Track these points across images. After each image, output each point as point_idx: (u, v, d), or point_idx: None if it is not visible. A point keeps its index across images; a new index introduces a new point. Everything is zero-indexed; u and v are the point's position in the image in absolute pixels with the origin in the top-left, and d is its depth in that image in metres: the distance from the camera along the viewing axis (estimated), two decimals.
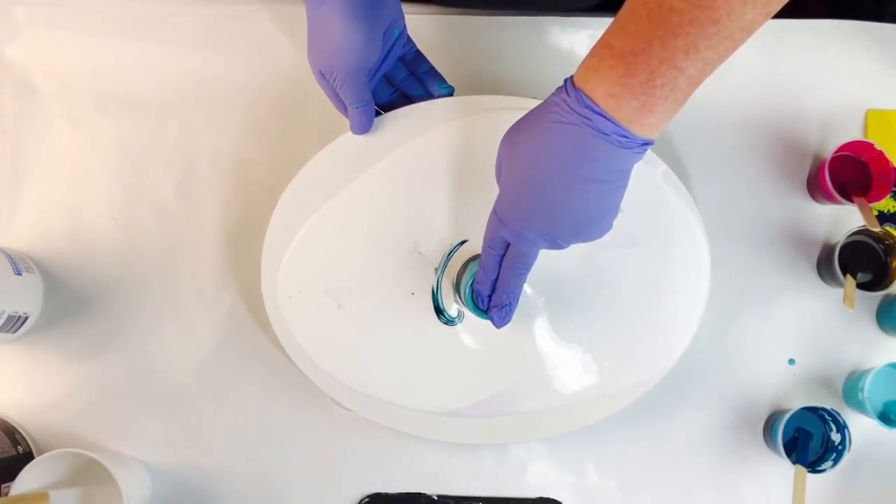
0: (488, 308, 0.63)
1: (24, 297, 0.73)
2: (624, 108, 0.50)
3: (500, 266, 0.60)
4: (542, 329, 0.69)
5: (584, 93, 0.51)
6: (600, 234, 0.57)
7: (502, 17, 0.78)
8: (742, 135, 0.77)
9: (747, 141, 0.77)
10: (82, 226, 0.76)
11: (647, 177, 0.69)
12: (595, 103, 0.50)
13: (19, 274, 0.72)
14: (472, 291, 0.64)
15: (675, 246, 0.69)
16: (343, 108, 0.69)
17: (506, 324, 0.63)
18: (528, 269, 0.59)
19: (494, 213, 0.58)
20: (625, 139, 0.51)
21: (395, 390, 0.69)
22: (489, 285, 0.62)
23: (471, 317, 0.68)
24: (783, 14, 0.79)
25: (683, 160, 0.77)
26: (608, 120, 0.50)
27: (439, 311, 0.69)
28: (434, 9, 0.79)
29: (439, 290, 0.69)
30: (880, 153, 0.73)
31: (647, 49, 0.49)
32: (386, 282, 0.69)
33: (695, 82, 0.50)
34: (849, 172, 0.75)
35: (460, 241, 0.69)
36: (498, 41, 0.78)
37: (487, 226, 0.59)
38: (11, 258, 0.72)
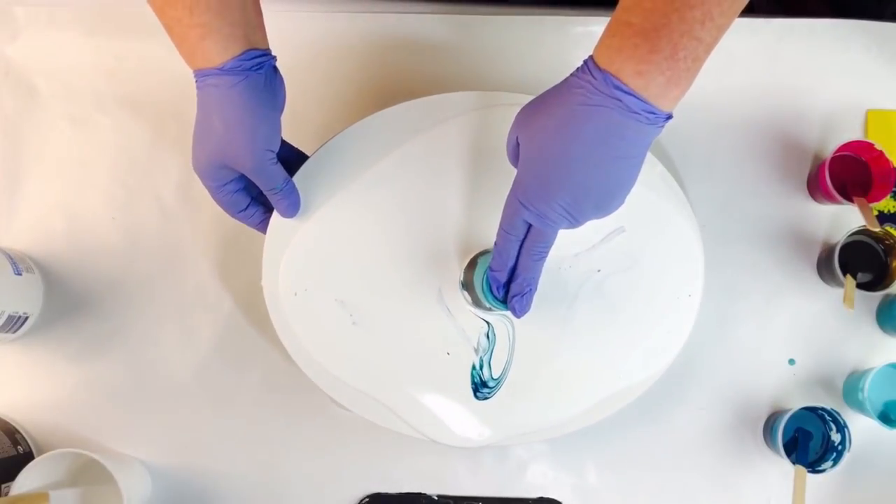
0: (506, 297, 0.62)
1: (24, 297, 0.73)
2: (651, 84, 0.50)
3: (518, 252, 0.60)
4: (544, 345, 0.69)
5: (611, 73, 0.51)
6: (616, 209, 0.57)
7: (502, 17, 0.78)
8: (742, 135, 0.77)
9: (747, 141, 0.77)
10: (82, 226, 0.76)
11: (645, 178, 0.69)
12: (624, 83, 0.50)
13: (19, 274, 0.72)
14: (488, 282, 0.63)
15: (670, 250, 0.69)
16: (241, 208, 0.66)
17: (526, 312, 0.62)
18: (547, 253, 0.60)
19: (515, 197, 0.57)
20: (652, 115, 0.51)
21: (401, 403, 0.69)
22: (507, 272, 0.61)
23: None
24: (783, 13, 0.79)
25: (684, 160, 0.77)
26: (638, 98, 0.51)
27: (480, 386, 0.69)
28: (434, 8, 0.79)
29: (483, 367, 0.69)
30: (880, 153, 0.73)
31: (668, 23, 0.49)
32: (402, 297, 0.69)
33: (710, 50, 0.51)
34: (849, 172, 0.75)
35: (487, 327, 0.69)
36: (498, 41, 0.78)
37: (504, 211, 0.58)
38: (11, 258, 0.72)
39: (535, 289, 0.62)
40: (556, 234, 0.58)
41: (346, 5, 0.78)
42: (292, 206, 0.66)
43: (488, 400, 0.68)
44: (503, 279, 0.62)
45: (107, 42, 0.78)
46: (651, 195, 0.69)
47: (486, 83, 0.77)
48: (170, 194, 0.77)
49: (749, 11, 0.76)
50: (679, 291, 0.69)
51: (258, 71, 0.61)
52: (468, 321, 0.69)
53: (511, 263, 0.61)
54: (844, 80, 0.77)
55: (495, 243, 0.60)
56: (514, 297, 0.61)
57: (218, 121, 0.60)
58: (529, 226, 0.58)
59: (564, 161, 0.53)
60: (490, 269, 0.62)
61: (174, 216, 0.77)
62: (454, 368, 0.68)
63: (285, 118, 0.78)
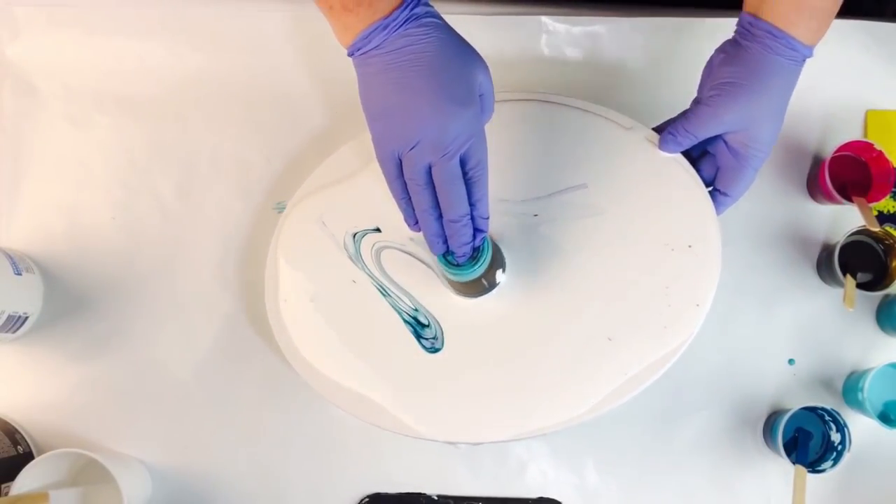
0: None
1: (24, 297, 0.73)
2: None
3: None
4: (539, 336, 0.68)
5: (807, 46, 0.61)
6: None
7: (502, 18, 0.78)
8: None
9: None
10: (82, 226, 0.76)
11: (630, 144, 0.69)
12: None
13: (19, 274, 0.72)
14: (442, 258, 0.62)
15: (669, 207, 0.67)
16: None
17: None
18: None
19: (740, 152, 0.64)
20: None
21: (387, 396, 0.68)
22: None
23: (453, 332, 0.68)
24: None
25: None
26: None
27: (419, 327, 0.69)
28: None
29: (390, 295, 0.69)
30: (880, 153, 0.73)
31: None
32: (342, 268, 0.70)
33: None
34: (849, 172, 0.75)
35: (374, 227, 0.70)
36: (498, 41, 0.78)
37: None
38: (11, 258, 0.72)
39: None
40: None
41: None
42: (468, 237, 0.59)
43: (440, 353, 0.67)
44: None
45: (107, 42, 0.78)
46: (632, 157, 0.68)
47: None
48: (170, 194, 0.77)
49: None
50: (672, 241, 0.66)
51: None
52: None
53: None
54: (844, 80, 0.77)
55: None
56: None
57: (429, 73, 0.55)
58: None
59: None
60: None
61: (174, 216, 0.77)
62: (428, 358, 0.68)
63: (285, 117, 0.78)
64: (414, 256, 0.70)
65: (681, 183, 0.67)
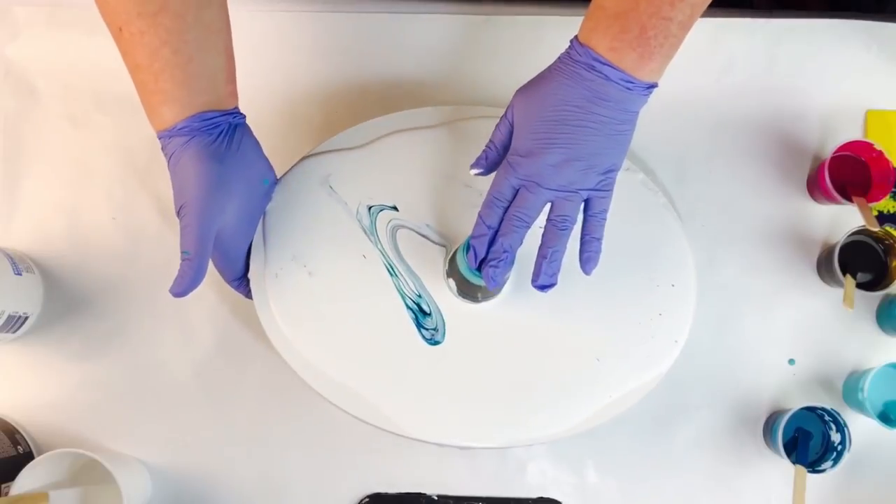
0: (482, 264, 0.61)
1: (24, 297, 0.73)
2: (625, 59, 0.56)
3: (502, 219, 0.61)
4: (533, 347, 0.68)
5: (590, 48, 0.57)
6: (608, 171, 0.60)
7: (503, 18, 0.78)
8: (742, 135, 0.77)
9: (747, 141, 0.77)
10: (82, 226, 0.76)
11: (627, 184, 0.70)
12: (601, 56, 0.57)
13: (19, 274, 0.72)
14: (467, 248, 0.62)
15: (656, 247, 0.70)
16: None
17: (498, 284, 0.62)
18: (529, 222, 0.60)
19: (507, 162, 0.60)
20: (631, 84, 0.57)
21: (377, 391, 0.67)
22: (487, 240, 0.61)
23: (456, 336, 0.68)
24: (783, 13, 0.79)
25: (684, 160, 0.77)
26: (614, 69, 0.57)
27: (420, 315, 0.68)
28: (434, 7, 0.79)
29: (398, 275, 0.68)
30: (880, 153, 0.73)
31: (636, 7, 0.55)
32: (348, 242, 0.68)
33: (686, 26, 0.56)
34: (849, 172, 0.75)
35: (391, 205, 0.69)
36: (499, 41, 0.78)
37: (496, 177, 0.61)
38: (11, 258, 0.72)
39: (511, 261, 0.61)
40: (541, 203, 0.60)
41: (346, 5, 0.78)
42: (184, 283, 0.61)
43: (440, 345, 0.67)
44: (484, 248, 0.61)
45: (107, 42, 0.77)
46: (628, 196, 0.70)
47: (486, 83, 0.78)
48: (170, 194, 0.76)
49: (748, 9, 0.77)
50: (658, 278, 0.69)
51: (210, 131, 0.61)
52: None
53: (495, 230, 0.61)
54: (844, 80, 0.77)
55: (479, 213, 0.61)
56: (489, 262, 0.61)
57: (173, 178, 0.63)
58: (517, 192, 0.60)
59: (553, 123, 0.58)
60: (471, 237, 0.62)
61: (174, 216, 0.76)
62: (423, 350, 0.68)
63: (285, 118, 0.78)
64: (429, 240, 0.68)
65: (669, 227, 0.70)
